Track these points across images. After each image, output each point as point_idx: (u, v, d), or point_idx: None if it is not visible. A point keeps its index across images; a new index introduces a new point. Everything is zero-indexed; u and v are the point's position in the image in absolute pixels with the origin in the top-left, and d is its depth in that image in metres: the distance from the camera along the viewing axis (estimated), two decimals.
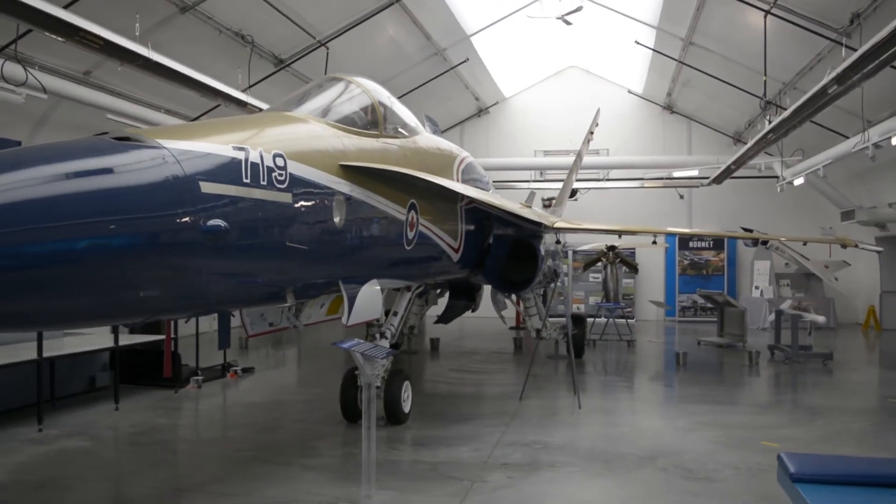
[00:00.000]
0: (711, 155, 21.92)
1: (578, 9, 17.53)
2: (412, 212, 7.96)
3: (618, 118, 23.78)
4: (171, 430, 8.89)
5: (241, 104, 12.05)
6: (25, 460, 7.33)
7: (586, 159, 19.70)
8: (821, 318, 14.02)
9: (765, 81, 13.86)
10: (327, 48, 14.91)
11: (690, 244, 23.81)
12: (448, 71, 19.64)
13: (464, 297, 14.51)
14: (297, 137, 6.13)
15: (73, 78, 11.91)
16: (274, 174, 5.32)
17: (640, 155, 22.86)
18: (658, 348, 17.64)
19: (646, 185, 22.80)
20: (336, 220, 6.23)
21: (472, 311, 15.05)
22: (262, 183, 5.15)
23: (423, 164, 8.75)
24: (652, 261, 23.87)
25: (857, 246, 13.26)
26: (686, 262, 23.95)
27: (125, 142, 4.27)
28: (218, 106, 13.35)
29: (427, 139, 9.44)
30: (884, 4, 11.15)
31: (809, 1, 12.49)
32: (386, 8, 14.88)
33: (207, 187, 4.55)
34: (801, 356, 14.13)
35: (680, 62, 18.28)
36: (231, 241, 4.71)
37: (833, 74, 9.45)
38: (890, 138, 11.24)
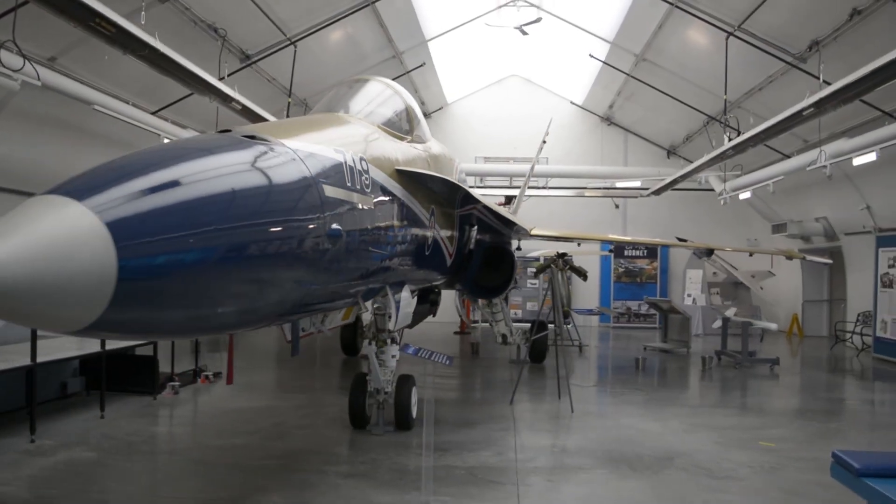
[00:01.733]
0: (646, 167, 22.93)
1: (538, 20, 17.96)
2: (432, 217, 8.00)
3: (559, 128, 24.37)
4: (173, 438, 8.52)
5: (227, 98, 11.61)
6: (36, 474, 6.84)
7: (525, 167, 20.17)
8: (773, 325, 14.91)
9: (725, 101, 14.64)
10: (296, 46, 14.61)
11: (626, 252, 24.70)
12: (403, 75, 19.61)
13: (427, 302, 14.56)
14: (366, 141, 6.05)
15: (40, 63, 11.14)
16: (363, 178, 5.26)
17: (579, 164, 23.54)
18: (606, 353, 18.24)
19: (586, 194, 23.52)
20: (395, 224, 6.21)
21: (433, 315, 15.12)
22: (357, 187, 5.08)
23: (439, 168, 8.79)
24: (588, 268, 24.52)
25: (804, 258, 14.18)
26: (621, 269, 24.84)
27: (254, 140, 4.12)
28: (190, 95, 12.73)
29: (435, 144, 9.48)
30: (843, 34, 12.02)
31: (771, 26, 13.29)
32: (361, 8, 14.74)
33: (328, 191, 4.46)
34: (748, 361, 14.97)
35: (629, 75, 18.97)
36: (341, 246, 4.63)
37: (814, 99, 10.14)
38: (850, 158, 12.14)
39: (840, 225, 18.78)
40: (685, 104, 18.28)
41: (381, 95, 7.41)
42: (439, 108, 25.31)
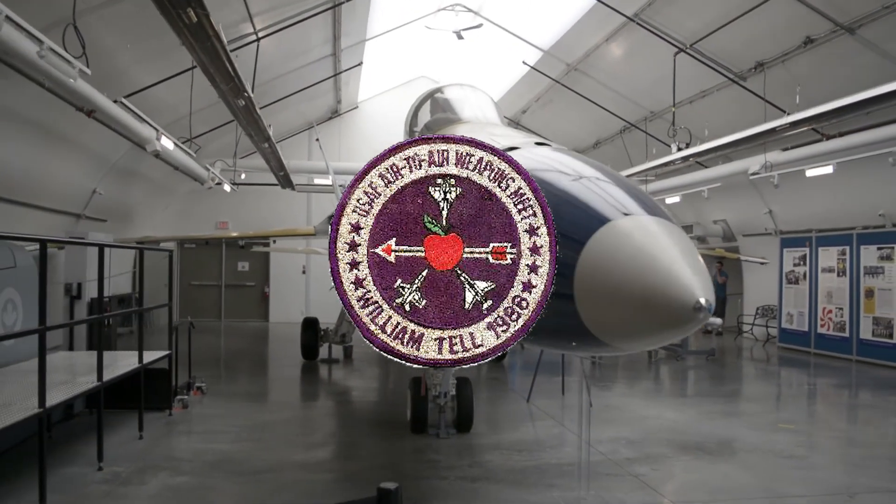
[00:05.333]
0: None
1: (479, 26, 18.36)
2: None
3: None
4: (241, 455, 7.89)
5: None
6: None
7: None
8: (718, 321, 16.22)
9: (673, 113, 15.80)
10: (259, 44, 13.94)
11: None
12: (336, 75, 19.25)
13: None
14: None
15: None
16: None
17: None
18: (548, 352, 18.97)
19: None
20: None
21: None
22: None
23: None
24: None
25: (738, 258, 15.66)
26: None
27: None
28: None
29: None
30: (792, 58, 13.47)
31: (719, 46, 14.56)
32: (331, 9, 14.33)
33: None
34: (687, 353, 16.29)
35: (556, 81, 19.79)
36: None
37: (786, 120, 11.42)
38: (804, 170, 13.75)
39: (739, 227, 20.83)
40: (608, 111, 19.37)
41: (488, 103, 7.56)
42: (354, 108, 24.97)
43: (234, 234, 19.39)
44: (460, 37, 18.96)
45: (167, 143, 12.04)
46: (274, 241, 22.46)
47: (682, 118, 17.27)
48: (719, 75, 15.22)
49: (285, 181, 19.37)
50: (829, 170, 13.53)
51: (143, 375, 8.65)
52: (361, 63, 19.49)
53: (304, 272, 24.66)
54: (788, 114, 11.55)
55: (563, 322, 2.89)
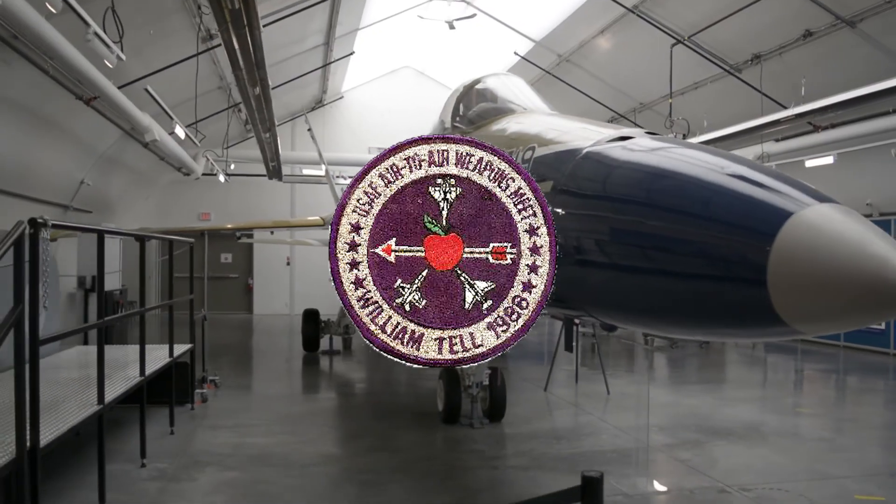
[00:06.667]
0: None
1: (472, 16, 18.30)
2: None
3: None
4: (279, 449, 7.77)
5: None
6: (229, 500, 6.10)
7: None
8: None
9: (670, 104, 15.96)
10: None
11: None
12: (326, 65, 19.01)
13: None
14: None
15: None
16: None
17: None
18: (542, 339, 19.14)
19: None
20: None
21: None
22: None
23: None
24: None
25: None
26: None
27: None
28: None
29: None
30: (789, 51, 13.76)
31: (717, 38, 14.77)
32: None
33: None
34: (682, 342, 16.58)
35: (546, 72, 19.85)
36: None
37: (790, 112, 11.70)
38: (803, 160, 14.09)
39: None
40: (597, 101, 19.49)
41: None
42: (340, 97, 24.68)
43: (251, 225, 19.06)
44: (452, 27, 18.86)
45: (179, 132, 11.76)
46: (291, 235, 22.14)
47: (674, 109, 17.51)
48: (714, 67, 15.44)
49: (275, 172, 19.10)
50: (829, 160, 13.86)
51: (171, 370, 8.48)
52: (353, 52, 19.27)
53: (288, 264, 24.38)
54: (795, 105, 11.79)
55: (747, 312, 2.94)
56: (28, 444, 4.17)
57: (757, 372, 14.27)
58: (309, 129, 17.97)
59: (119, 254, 18.05)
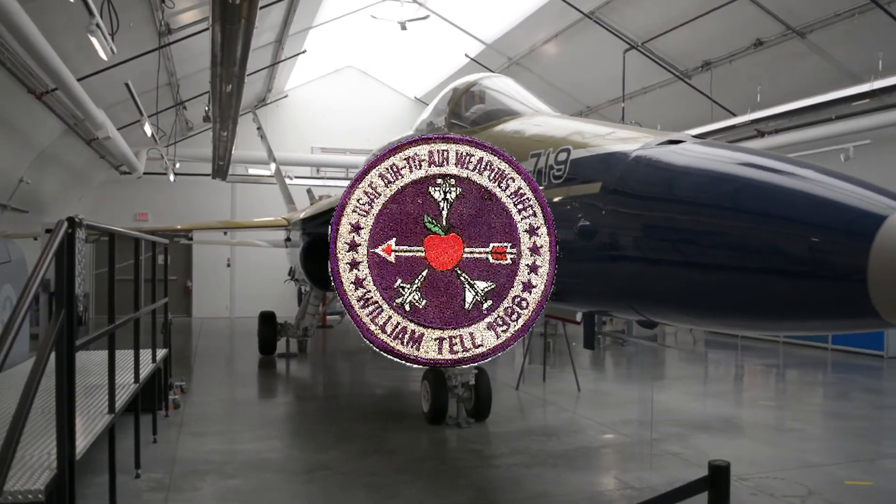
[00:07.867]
0: None
1: (425, 17, 18.31)
2: None
3: (393, 121, 24.53)
4: (271, 455, 7.60)
5: None
6: None
7: (361, 159, 20.29)
8: None
9: (623, 108, 16.41)
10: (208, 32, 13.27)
11: None
12: (279, 62, 18.63)
13: None
14: None
15: None
16: None
17: None
18: None
19: None
20: None
21: None
22: None
23: None
24: None
25: None
26: None
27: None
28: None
29: None
30: (738, 59, 14.39)
31: (669, 45, 15.29)
32: None
33: None
34: (631, 339, 17.09)
35: (494, 74, 20.04)
36: None
37: (747, 118, 12.28)
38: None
39: None
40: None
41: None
42: (284, 96, 24.18)
43: (215, 225, 18.29)
44: (404, 27, 18.82)
45: (147, 129, 11.31)
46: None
47: (625, 113, 18.02)
48: (665, 72, 16.00)
49: (219, 171, 18.58)
50: None
51: (151, 376, 8.14)
52: (305, 51, 18.96)
53: (228, 265, 23.75)
54: (751, 111, 12.32)
55: (844, 307, 3.09)
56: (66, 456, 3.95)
57: (708, 367, 14.82)
58: (259, 128, 17.58)
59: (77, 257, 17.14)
